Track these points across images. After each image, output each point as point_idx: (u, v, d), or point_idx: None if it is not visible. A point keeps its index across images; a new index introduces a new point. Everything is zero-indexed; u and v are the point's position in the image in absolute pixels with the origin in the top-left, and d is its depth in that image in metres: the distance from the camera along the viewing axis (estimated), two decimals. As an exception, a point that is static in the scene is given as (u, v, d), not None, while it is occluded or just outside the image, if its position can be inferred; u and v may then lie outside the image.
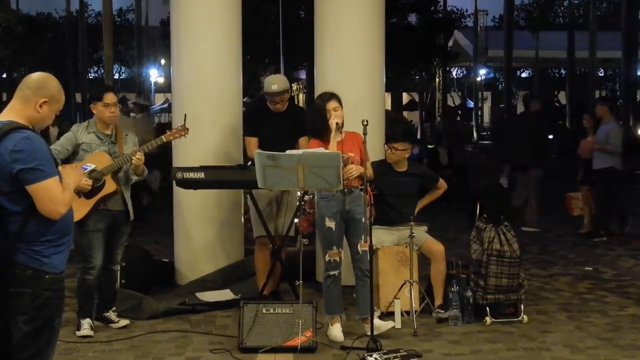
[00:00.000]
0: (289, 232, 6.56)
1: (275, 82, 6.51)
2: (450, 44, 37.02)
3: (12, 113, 3.42)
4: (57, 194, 3.32)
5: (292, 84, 22.16)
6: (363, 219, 5.64)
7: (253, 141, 6.64)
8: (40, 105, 3.43)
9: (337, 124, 5.65)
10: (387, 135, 6.94)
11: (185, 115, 6.09)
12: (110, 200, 5.87)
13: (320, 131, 5.75)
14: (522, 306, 6.20)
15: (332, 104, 5.72)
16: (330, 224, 5.66)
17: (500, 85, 42.88)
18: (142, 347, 5.64)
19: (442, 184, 6.78)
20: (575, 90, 36.56)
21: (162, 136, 6.06)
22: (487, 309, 6.12)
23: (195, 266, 7.23)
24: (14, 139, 3.28)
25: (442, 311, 6.19)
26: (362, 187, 5.58)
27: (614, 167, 10.06)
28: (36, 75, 3.50)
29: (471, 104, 45.01)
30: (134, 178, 6.04)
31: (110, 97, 5.91)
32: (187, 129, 6.05)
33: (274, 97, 6.49)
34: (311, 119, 6.03)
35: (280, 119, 6.55)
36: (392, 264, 6.41)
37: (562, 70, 46.24)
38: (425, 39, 25.25)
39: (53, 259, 3.39)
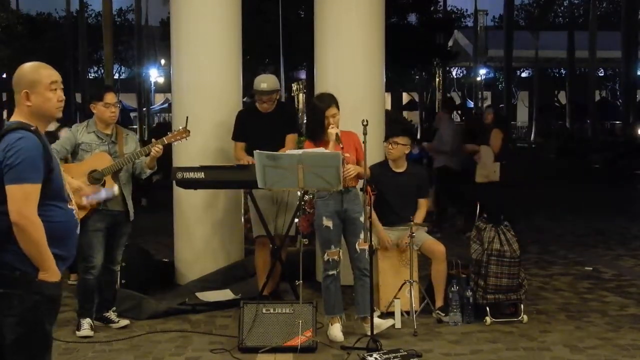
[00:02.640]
0: (289, 232, 6.57)
1: (264, 81, 6.53)
2: (450, 44, 37.02)
3: (15, 117, 3.40)
4: (23, 203, 3.21)
5: (292, 84, 22.09)
6: (361, 218, 5.65)
7: (240, 145, 6.69)
8: (27, 99, 3.36)
9: (337, 134, 5.64)
10: (386, 133, 6.93)
11: (187, 117, 6.09)
12: (111, 200, 5.87)
13: (317, 134, 5.74)
14: (522, 306, 6.21)
15: (331, 111, 5.71)
16: (328, 223, 5.66)
17: (500, 85, 42.86)
18: (142, 347, 5.64)
19: (425, 202, 6.64)
20: (575, 90, 36.56)
21: (164, 138, 6.07)
22: (487, 309, 6.12)
23: (195, 266, 7.23)
24: (9, 139, 3.26)
25: (443, 314, 6.19)
26: (362, 187, 5.58)
27: (446, 165, 10.45)
28: (14, 75, 3.44)
29: (471, 104, 44.98)
30: (147, 172, 6.09)
31: (110, 97, 5.93)
32: (189, 131, 6.05)
33: (262, 96, 6.52)
34: (309, 120, 6.02)
35: (269, 119, 6.57)
36: (392, 264, 6.42)
37: (562, 70, 46.23)
38: (425, 39, 25.24)
39: None
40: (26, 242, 3.24)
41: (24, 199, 3.22)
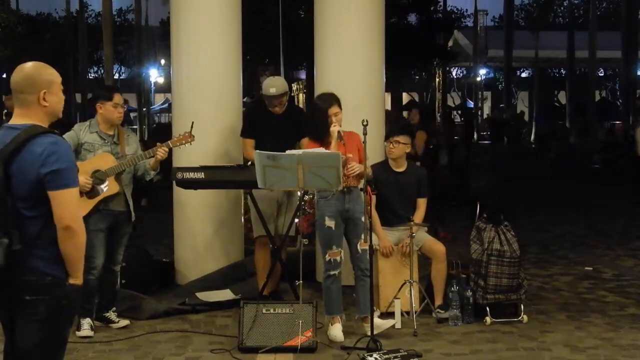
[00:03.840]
0: (289, 232, 6.57)
1: (273, 86, 6.51)
2: (450, 44, 36.99)
3: (25, 119, 3.30)
4: (75, 207, 3.23)
5: (292, 84, 22.09)
6: (362, 218, 5.65)
7: (249, 143, 6.67)
8: (44, 99, 3.31)
9: (339, 132, 5.64)
10: (386, 133, 6.93)
11: (193, 123, 6.08)
12: (112, 201, 5.89)
13: (320, 134, 5.74)
14: (522, 306, 6.21)
15: (333, 110, 5.71)
16: (330, 223, 5.66)
17: (500, 85, 42.84)
18: (142, 347, 5.65)
19: (425, 202, 6.66)
20: (575, 90, 36.55)
21: (169, 141, 6.08)
22: (487, 309, 6.12)
23: (195, 266, 7.24)
24: (42, 143, 3.19)
25: (442, 311, 6.19)
26: (362, 186, 5.58)
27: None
28: (18, 77, 3.33)
29: (471, 104, 44.99)
30: (152, 173, 6.12)
31: (119, 98, 5.98)
32: (193, 136, 6.05)
33: (272, 100, 6.51)
34: (311, 120, 6.02)
35: (279, 120, 6.56)
36: (392, 264, 6.42)
37: (562, 70, 46.21)
38: (425, 39, 25.23)
39: None
40: (74, 247, 3.24)
41: (74, 203, 3.23)
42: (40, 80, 3.33)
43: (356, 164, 5.68)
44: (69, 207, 3.21)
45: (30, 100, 3.31)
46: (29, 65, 3.38)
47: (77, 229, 3.22)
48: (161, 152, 5.90)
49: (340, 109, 5.77)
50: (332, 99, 5.79)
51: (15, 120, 3.33)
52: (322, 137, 5.72)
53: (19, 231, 3.20)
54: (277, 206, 6.68)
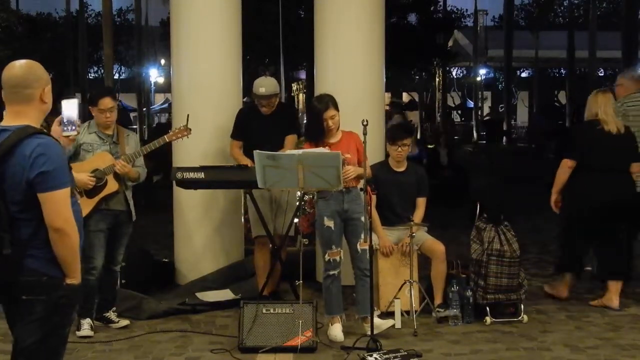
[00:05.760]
0: (289, 232, 6.57)
1: (263, 86, 6.53)
2: (450, 43, 36.98)
3: (20, 118, 3.28)
4: (65, 208, 3.21)
5: (292, 84, 22.10)
6: (362, 218, 5.65)
7: (235, 144, 6.73)
8: (45, 94, 3.33)
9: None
10: (391, 136, 6.91)
11: (188, 115, 6.08)
12: (112, 200, 5.88)
13: (317, 136, 5.74)
14: (522, 306, 6.21)
15: (329, 112, 5.70)
16: (329, 223, 5.66)
17: (500, 85, 42.83)
18: (142, 347, 5.65)
19: (424, 201, 6.66)
20: (575, 90, 36.54)
21: (165, 136, 6.07)
22: (487, 308, 6.12)
23: (195, 266, 7.24)
24: (31, 144, 3.18)
25: (442, 310, 6.19)
26: (362, 186, 5.58)
27: None
28: (20, 71, 3.29)
29: (471, 104, 44.97)
30: (129, 184, 6.03)
31: (105, 103, 5.86)
32: (190, 129, 6.05)
33: (261, 100, 6.52)
34: (308, 122, 6.03)
35: (270, 119, 6.58)
36: (392, 264, 6.42)
37: (562, 70, 46.20)
38: (425, 39, 25.25)
39: None
40: (67, 248, 3.23)
41: (65, 204, 3.21)
42: (43, 76, 3.35)
43: (351, 168, 5.66)
44: (60, 208, 3.19)
45: (34, 95, 3.30)
46: (26, 61, 3.36)
47: (68, 230, 3.21)
48: (118, 166, 5.79)
49: (337, 110, 5.76)
50: (328, 102, 5.77)
51: (8, 121, 3.30)
52: (317, 139, 5.73)
53: (12, 234, 3.19)
54: (276, 206, 6.68)
